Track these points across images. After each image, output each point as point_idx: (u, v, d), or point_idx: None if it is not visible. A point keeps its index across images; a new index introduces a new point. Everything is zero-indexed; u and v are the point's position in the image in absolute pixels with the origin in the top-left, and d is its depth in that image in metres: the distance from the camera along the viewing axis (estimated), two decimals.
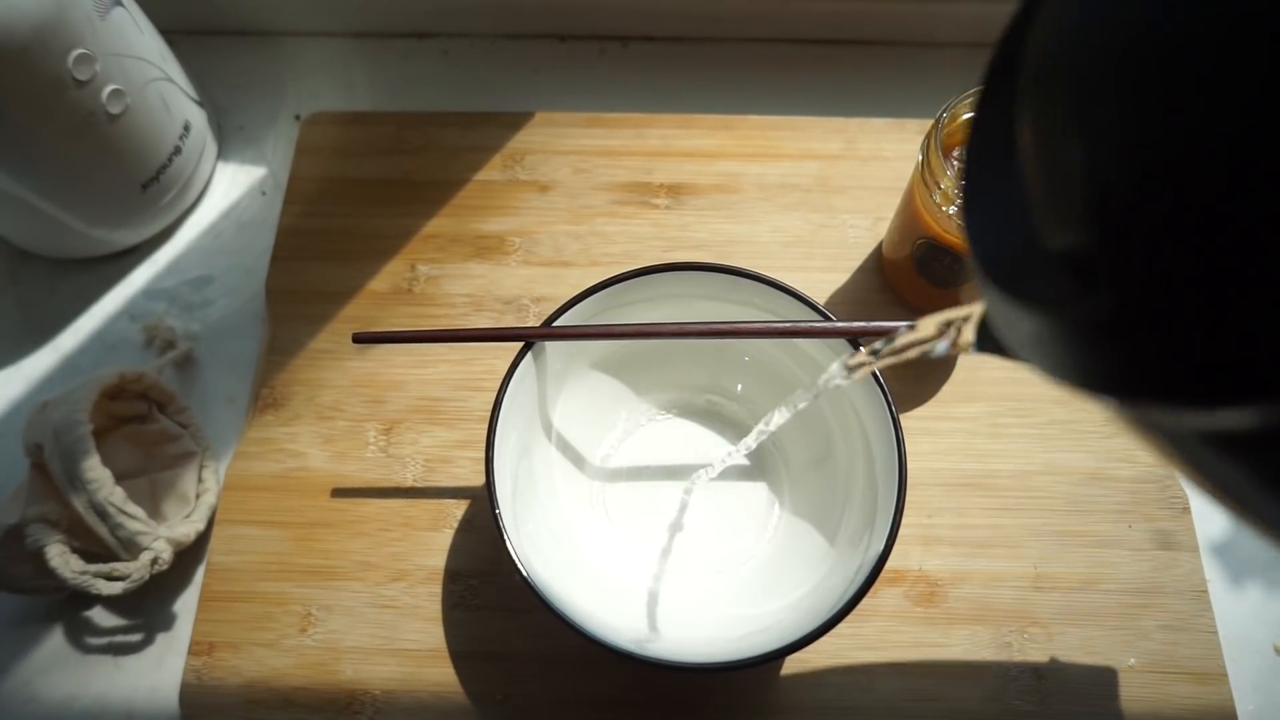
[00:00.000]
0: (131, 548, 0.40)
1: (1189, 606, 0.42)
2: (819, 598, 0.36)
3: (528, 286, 0.49)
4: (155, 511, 0.43)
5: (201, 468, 0.45)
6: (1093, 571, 0.43)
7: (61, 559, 0.39)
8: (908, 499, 0.36)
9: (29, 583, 0.41)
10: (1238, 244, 0.11)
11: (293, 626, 0.42)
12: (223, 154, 0.55)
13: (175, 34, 0.57)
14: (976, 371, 0.47)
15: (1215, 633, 0.41)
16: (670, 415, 0.44)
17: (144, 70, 0.46)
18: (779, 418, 0.35)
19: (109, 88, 0.44)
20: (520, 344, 0.39)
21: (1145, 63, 0.13)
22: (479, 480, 0.45)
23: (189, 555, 0.44)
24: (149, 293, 0.51)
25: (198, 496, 0.44)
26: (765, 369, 0.44)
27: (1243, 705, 0.41)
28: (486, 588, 0.43)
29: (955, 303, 0.46)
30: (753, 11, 0.56)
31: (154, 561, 0.40)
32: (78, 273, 0.51)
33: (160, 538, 0.41)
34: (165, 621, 0.44)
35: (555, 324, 0.39)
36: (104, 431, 0.43)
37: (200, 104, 0.53)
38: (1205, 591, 0.42)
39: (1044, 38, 0.15)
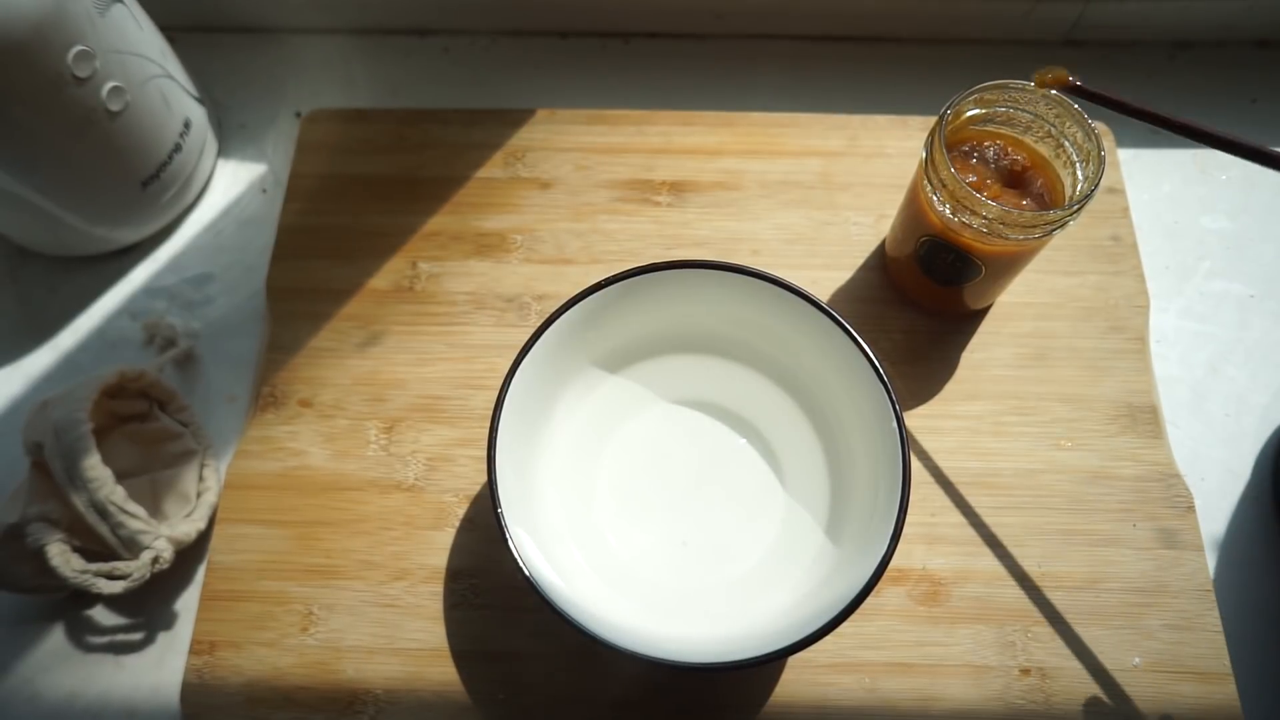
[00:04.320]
0: (132, 546, 0.40)
1: (1193, 606, 0.42)
2: (822, 597, 0.36)
3: (529, 284, 0.49)
4: (156, 510, 0.43)
5: (202, 466, 0.45)
6: (1097, 570, 0.42)
7: (62, 558, 0.39)
8: (911, 497, 0.36)
9: (30, 581, 0.41)
10: None
11: (294, 625, 0.42)
12: (223, 151, 0.55)
13: (175, 31, 0.56)
14: (980, 370, 0.46)
15: (1220, 632, 0.41)
16: (673, 411, 0.44)
17: (144, 67, 0.46)
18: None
19: (109, 85, 0.43)
20: (521, 342, 0.39)
21: None
22: (480, 479, 0.45)
23: (190, 554, 0.44)
24: (149, 291, 0.51)
25: (198, 495, 0.44)
26: (768, 364, 0.44)
27: (1248, 705, 0.40)
28: (488, 587, 0.43)
29: (959, 300, 0.46)
30: (754, 8, 0.56)
31: (155, 560, 0.40)
32: (78, 271, 0.51)
33: (161, 536, 0.41)
34: (166, 620, 0.44)
35: (557, 321, 0.39)
36: (104, 430, 0.43)
37: (200, 101, 0.52)
38: (1210, 591, 0.42)
39: None
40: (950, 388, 0.46)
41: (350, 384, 0.47)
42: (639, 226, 0.50)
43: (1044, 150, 0.41)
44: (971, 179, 0.41)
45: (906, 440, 0.36)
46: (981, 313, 0.48)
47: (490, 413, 0.37)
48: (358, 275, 0.49)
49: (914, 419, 0.45)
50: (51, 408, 0.41)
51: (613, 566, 0.41)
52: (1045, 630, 0.41)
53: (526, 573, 0.35)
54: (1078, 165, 0.39)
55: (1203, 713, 0.40)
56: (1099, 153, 0.38)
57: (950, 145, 0.42)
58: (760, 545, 0.41)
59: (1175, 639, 0.41)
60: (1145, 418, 0.45)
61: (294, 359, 0.47)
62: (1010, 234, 0.39)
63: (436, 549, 0.43)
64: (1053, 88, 0.38)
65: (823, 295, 0.48)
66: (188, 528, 0.42)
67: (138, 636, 0.43)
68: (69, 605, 0.44)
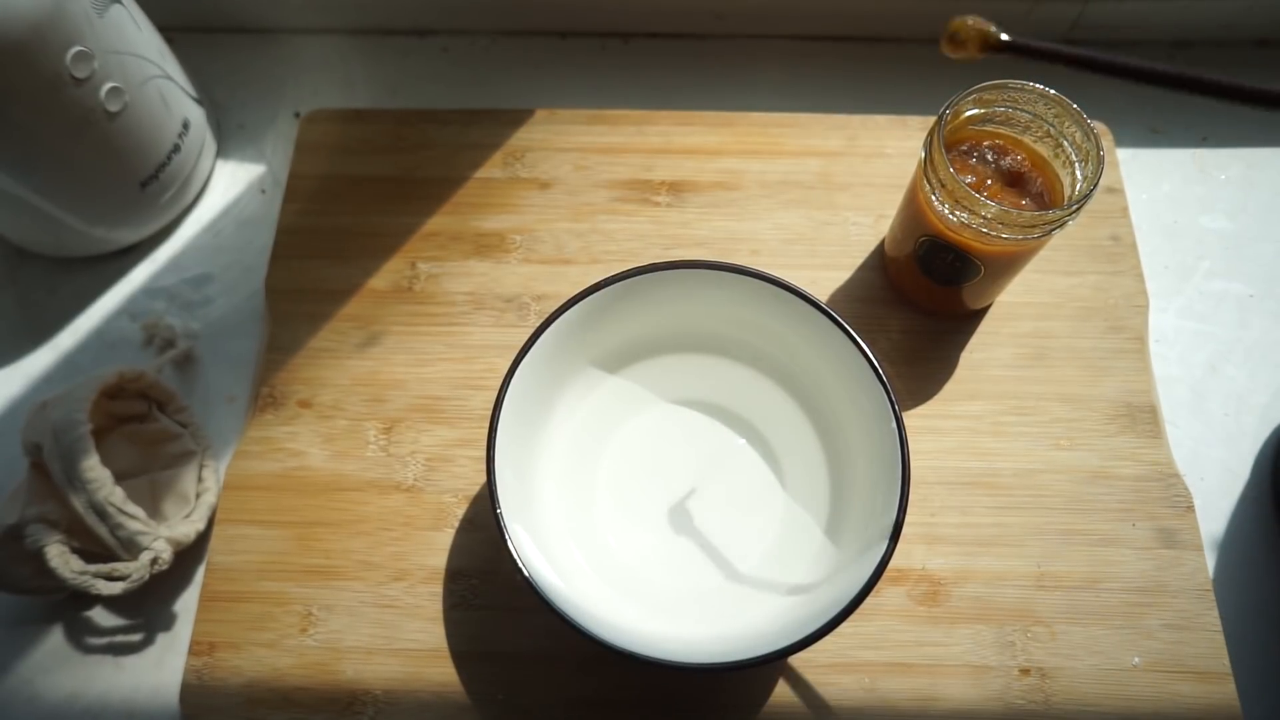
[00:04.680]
0: (131, 547, 0.40)
1: (1193, 605, 0.42)
2: (821, 597, 0.36)
3: (528, 284, 0.49)
4: (155, 511, 0.43)
5: (201, 467, 0.45)
6: (1096, 570, 0.42)
7: (61, 559, 0.39)
8: (910, 497, 0.36)
9: (29, 583, 0.41)
10: None
11: (293, 626, 0.42)
12: (222, 152, 0.55)
13: (174, 31, 0.56)
14: (979, 370, 0.46)
15: (1219, 632, 0.41)
16: (672, 411, 0.44)
17: (142, 68, 0.46)
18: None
19: (107, 85, 0.43)
20: (520, 343, 0.39)
21: None
22: (480, 479, 0.45)
23: (189, 555, 0.44)
24: (148, 291, 0.51)
25: (198, 496, 0.44)
26: (768, 364, 0.44)
27: (1248, 705, 0.40)
28: (488, 587, 0.43)
29: (959, 300, 0.46)
30: (754, 8, 0.56)
31: (154, 561, 0.40)
32: (77, 271, 0.51)
33: (160, 537, 0.41)
34: (166, 621, 0.44)
35: (556, 322, 0.39)
36: (103, 431, 0.43)
37: (199, 101, 0.52)
38: (1209, 590, 0.42)
39: None
40: (949, 388, 0.46)
41: (349, 384, 0.47)
42: (638, 227, 0.50)
43: (1043, 150, 0.41)
44: (970, 179, 0.41)
45: (906, 440, 0.36)
46: (981, 313, 0.48)
47: (489, 413, 0.37)
48: (357, 275, 0.49)
49: (913, 419, 0.45)
50: (50, 408, 0.41)
51: (612, 567, 0.41)
52: (1045, 630, 0.41)
53: (526, 573, 0.35)
54: (1076, 165, 0.39)
55: (1202, 712, 0.40)
56: (1098, 152, 0.38)
57: (949, 145, 0.42)
58: (760, 545, 0.41)
59: (1175, 639, 0.41)
60: (1144, 417, 0.45)
61: (293, 359, 0.47)
62: (1009, 234, 0.39)
63: (436, 550, 0.43)
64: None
65: (822, 295, 0.48)
66: (187, 529, 0.42)
67: (137, 637, 0.43)
68: (68, 606, 0.44)
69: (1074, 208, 0.37)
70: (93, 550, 0.41)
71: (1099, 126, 0.50)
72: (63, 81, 0.41)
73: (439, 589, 0.43)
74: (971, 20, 0.27)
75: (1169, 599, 0.42)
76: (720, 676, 0.41)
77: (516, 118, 0.53)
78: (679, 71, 0.57)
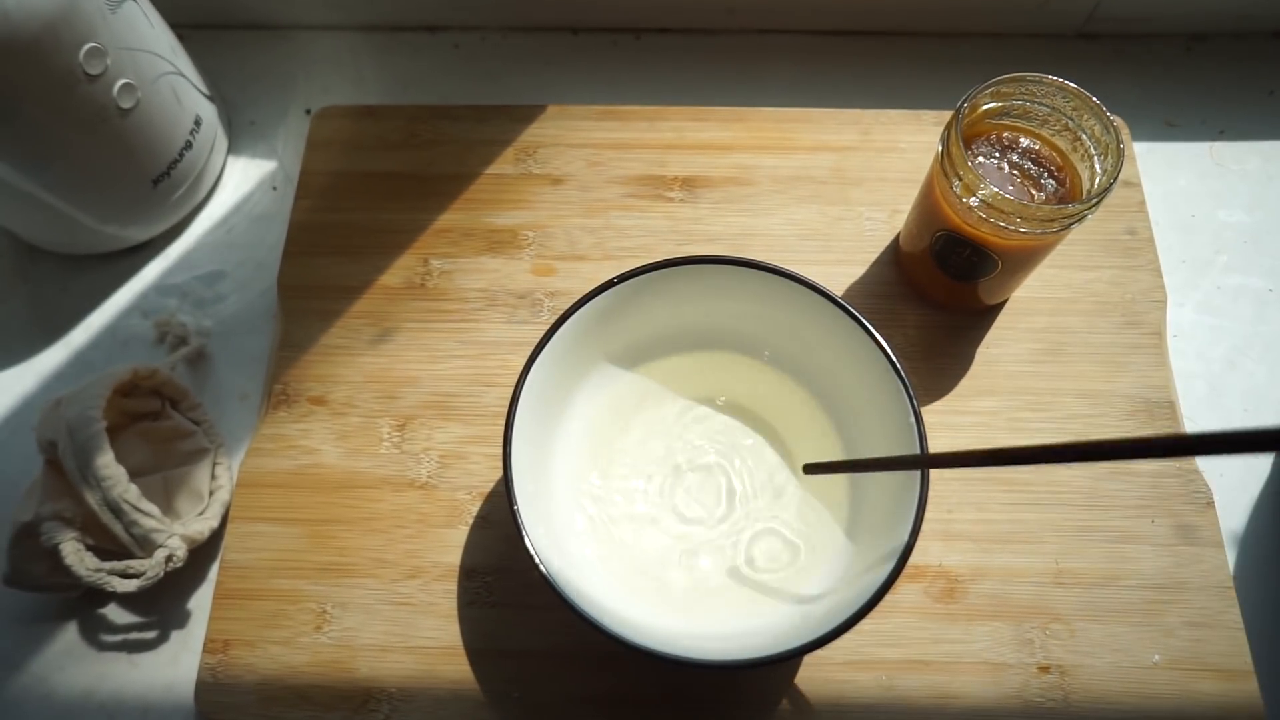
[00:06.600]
0: (146, 545, 0.40)
1: (1214, 602, 0.41)
2: (839, 594, 0.36)
3: (541, 281, 0.49)
4: (169, 508, 0.43)
5: (215, 464, 0.45)
6: (1115, 567, 0.42)
7: (76, 556, 0.39)
8: (928, 494, 0.35)
9: (44, 580, 0.41)
10: None
11: (308, 624, 0.42)
12: (233, 148, 0.55)
13: (186, 28, 0.56)
14: (995, 365, 0.46)
15: (1241, 629, 0.41)
16: (688, 408, 0.44)
17: (155, 64, 0.46)
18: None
19: (120, 82, 0.43)
20: (534, 339, 0.38)
21: None
22: (494, 476, 0.44)
23: (203, 552, 0.44)
24: (161, 288, 0.51)
25: (211, 493, 0.44)
26: (783, 360, 0.43)
27: (1271, 702, 0.40)
28: (503, 584, 0.42)
29: (974, 296, 0.45)
30: (766, 2, 0.55)
31: (168, 559, 0.40)
32: (89, 269, 0.51)
33: (174, 535, 0.41)
34: (180, 619, 0.44)
35: (571, 318, 0.38)
36: (117, 428, 0.43)
37: (211, 98, 0.52)
38: (1230, 587, 0.41)
39: None
40: (965, 383, 0.46)
41: (362, 381, 0.47)
42: (651, 222, 0.50)
43: (1061, 143, 0.41)
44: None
45: (924, 436, 0.36)
46: (996, 308, 0.47)
47: (504, 410, 0.37)
48: (369, 272, 0.49)
49: (929, 414, 0.45)
50: (65, 406, 0.41)
51: (628, 564, 0.41)
52: (1063, 628, 0.41)
53: (543, 569, 0.34)
54: (1095, 158, 0.39)
55: (1224, 710, 0.40)
56: (1117, 145, 0.38)
57: (967, 139, 0.41)
58: (776, 542, 0.41)
59: (1195, 636, 0.41)
60: (1163, 413, 0.45)
61: (306, 356, 0.47)
62: (1027, 228, 0.38)
63: (450, 547, 0.43)
64: None
65: (837, 290, 0.47)
66: (201, 526, 0.42)
67: (152, 635, 0.43)
68: (83, 604, 0.44)
69: (1093, 201, 0.37)
70: (107, 547, 0.41)
71: (1116, 120, 0.49)
72: (75, 78, 0.41)
73: (453, 586, 0.42)
74: None
75: (1189, 596, 0.41)
76: (737, 674, 0.41)
77: (528, 114, 0.53)
78: (691, 67, 0.57)
